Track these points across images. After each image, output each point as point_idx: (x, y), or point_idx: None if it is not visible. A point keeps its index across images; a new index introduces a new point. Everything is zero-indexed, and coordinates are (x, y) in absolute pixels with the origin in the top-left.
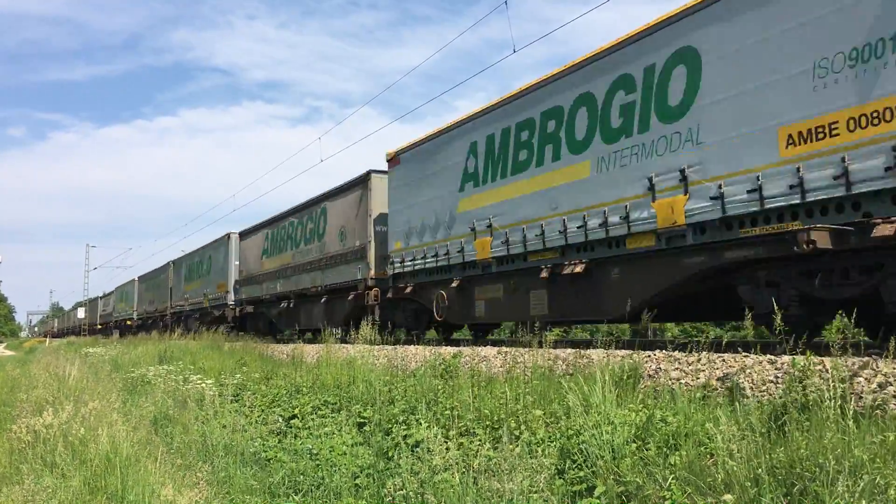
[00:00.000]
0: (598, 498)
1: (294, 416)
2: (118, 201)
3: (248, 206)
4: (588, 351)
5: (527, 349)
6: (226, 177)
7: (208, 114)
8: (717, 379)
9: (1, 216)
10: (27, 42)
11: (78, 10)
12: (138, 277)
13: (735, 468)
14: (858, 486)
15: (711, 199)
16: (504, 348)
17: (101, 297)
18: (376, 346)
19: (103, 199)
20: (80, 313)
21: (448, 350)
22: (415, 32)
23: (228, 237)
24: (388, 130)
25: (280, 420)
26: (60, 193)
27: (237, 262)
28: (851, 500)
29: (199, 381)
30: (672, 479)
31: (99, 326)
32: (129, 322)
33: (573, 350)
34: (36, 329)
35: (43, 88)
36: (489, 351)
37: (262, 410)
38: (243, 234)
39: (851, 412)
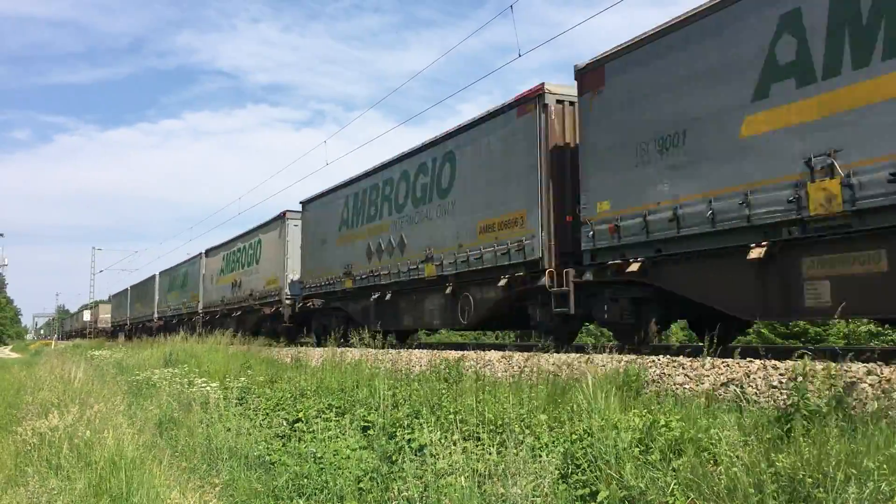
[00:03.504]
0: (601, 503)
1: (298, 420)
2: (123, 204)
3: (254, 208)
4: (593, 356)
5: (530, 353)
6: (231, 180)
7: (212, 117)
8: (722, 384)
9: (6, 219)
10: (32, 45)
11: (83, 12)
12: (159, 272)
13: (738, 474)
14: (864, 492)
15: None
16: (508, 352)
17: (112, 296)
18: (380, 350)
19: (108, 201)
20: (87, 316)
21: (452, 354)
22: (419, 36)
23: (284, 217)
24: (393, 134)
25: (284, 423)
26: (66, 196)
27: (297, 246)
28: None
29: (203, 384)
30: (675, 484)
31: (111, 328)
32: (148, 324)
33: (577, 354)
34: (42, 332)
35: (48, 91)
36: (493, 355)
37: (267, 414)
38: (307, 204)
39: (856, 418)
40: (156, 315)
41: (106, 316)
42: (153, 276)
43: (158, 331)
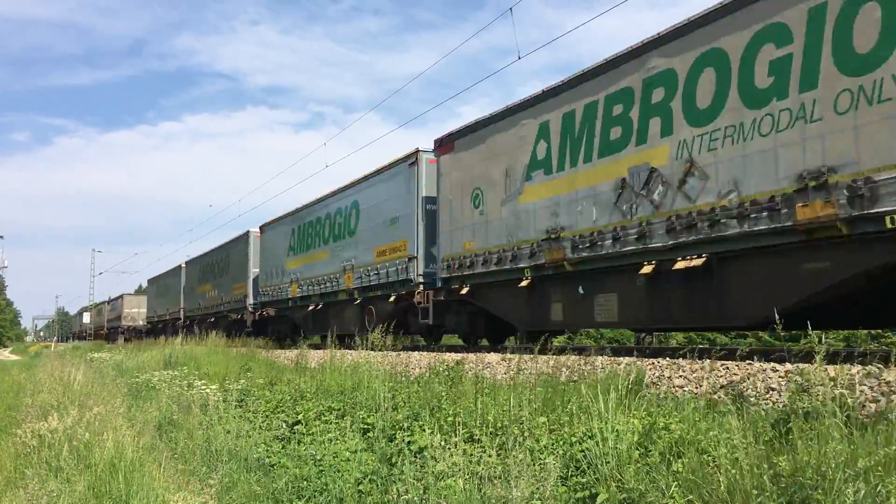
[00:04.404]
0: None
1: (298, 422)
2: (123, 206)
3: (255, 210)
4: (592, 358)
5: (531, 355)
6: (231, 182)
7: (212, 119)
8: (721, 387)
9: (6, 221)
10: (32, 47)
11: (83, 15)
12: (260, 227)
13: (737, 476)
14: (860, 494)
15: None
16: (508, 355)
17: (150, 280)
18: (380, 353)
19: (108, 203)
20: (86, 318)
21: (451, 356)
22: (419, 38)
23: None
24: (393, 136)
25: (284, 426)
26: (65, 198)
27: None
28: None
29: (203, 387)
30: (675, 486)
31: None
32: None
33: (577, 356)
34: (42, 334)
35: (47, 93)
36: (493, 357)
37: (266, 416)
38: None
39: (855, 421)
40: (250, 302)
41: (135, 311)
42: (243, 236)
43: (258, 331)
